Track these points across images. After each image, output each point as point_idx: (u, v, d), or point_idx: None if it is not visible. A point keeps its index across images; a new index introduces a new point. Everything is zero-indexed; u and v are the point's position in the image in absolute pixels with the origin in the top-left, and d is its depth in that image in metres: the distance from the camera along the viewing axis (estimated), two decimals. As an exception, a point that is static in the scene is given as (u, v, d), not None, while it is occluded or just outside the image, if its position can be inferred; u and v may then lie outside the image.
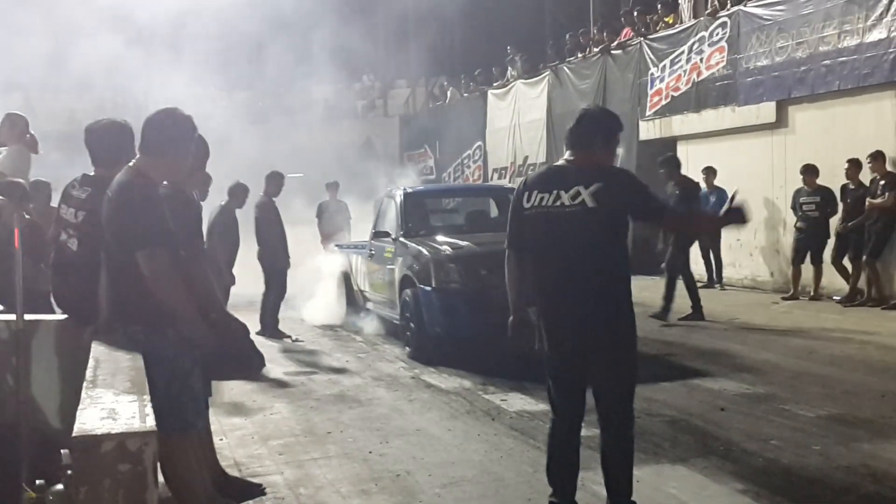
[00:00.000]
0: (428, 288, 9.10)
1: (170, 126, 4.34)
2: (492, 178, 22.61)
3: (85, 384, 3.14)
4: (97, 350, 3.98)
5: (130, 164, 4.30)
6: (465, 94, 25.01)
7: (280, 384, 8.57)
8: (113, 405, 2.79)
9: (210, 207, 9.51)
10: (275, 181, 11.51)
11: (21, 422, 3.98)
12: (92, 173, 4.87)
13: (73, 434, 2.43)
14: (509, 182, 20.62)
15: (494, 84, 23.32)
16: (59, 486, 3.41)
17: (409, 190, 10.86)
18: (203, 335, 4.22)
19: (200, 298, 4.51)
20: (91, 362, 3.52)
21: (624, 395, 4.49)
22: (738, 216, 4.56)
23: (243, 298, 10.59)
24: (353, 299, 12.15)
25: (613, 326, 4.41)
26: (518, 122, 21.69)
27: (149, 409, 2.78)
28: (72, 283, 4.80)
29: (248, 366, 5.20)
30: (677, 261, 11.35)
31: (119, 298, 4.25)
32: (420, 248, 9.51)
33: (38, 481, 3.46)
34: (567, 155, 4.55)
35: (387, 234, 10.41)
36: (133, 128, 4.73)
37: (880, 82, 11.94)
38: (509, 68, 22.90)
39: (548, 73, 20.54)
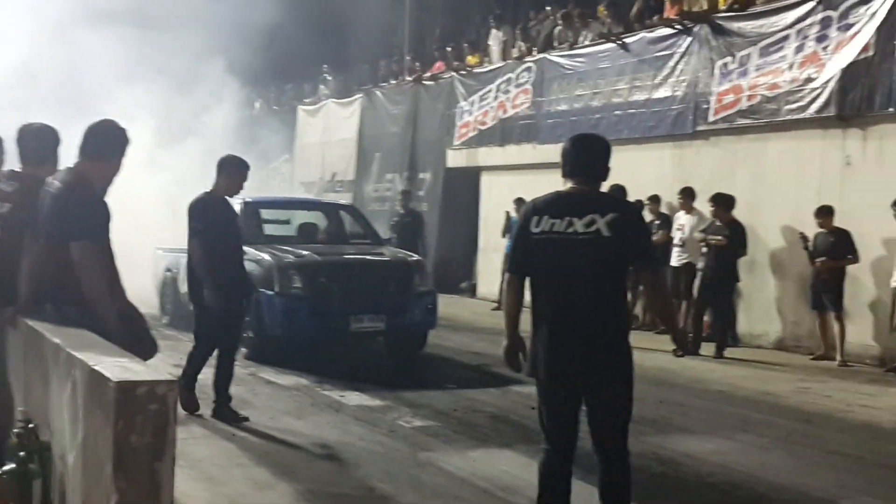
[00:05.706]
0: (270, 292, 9.79)
1: (109, 135, 4.97)
2: (298, 192, 23.25)
3: (73, 351, 3.79)
4: (42, 327, 4.55)
5: (71, 165, 4.91)
6: (276, 108, 25.56)
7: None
8: (121, 364, 3.49)
9: None
10: None
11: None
12: (18, 170, 5.39)
13: (115, 380, 3.13)
14: (315, 195, 21.34)
15: (305, 100, 24.04)
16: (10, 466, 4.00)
17: (249, 199, 11.47)
18: (114, 319, 4.87)
19: (113, 288, 5.16)
20: (57, 339, 4.12)
21: (622, 428, 4.45)
22: (681, 341, 5.04)
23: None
24: (177, 301, 12.50)
25: (614, 358, 4.37)
26: (329, 140, 22.53)
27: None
28: (-8, 268, 5.28)
29: (147, 349, 5.83)
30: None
31: (53, 282, 4.84)
32: (262, 254, 10.14)
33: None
34: (573, 182, 4.46)
35: None
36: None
37: (662, 135, 13.70)
38: (321, 86, 23.71)
39: (360, 95, 21.54)
